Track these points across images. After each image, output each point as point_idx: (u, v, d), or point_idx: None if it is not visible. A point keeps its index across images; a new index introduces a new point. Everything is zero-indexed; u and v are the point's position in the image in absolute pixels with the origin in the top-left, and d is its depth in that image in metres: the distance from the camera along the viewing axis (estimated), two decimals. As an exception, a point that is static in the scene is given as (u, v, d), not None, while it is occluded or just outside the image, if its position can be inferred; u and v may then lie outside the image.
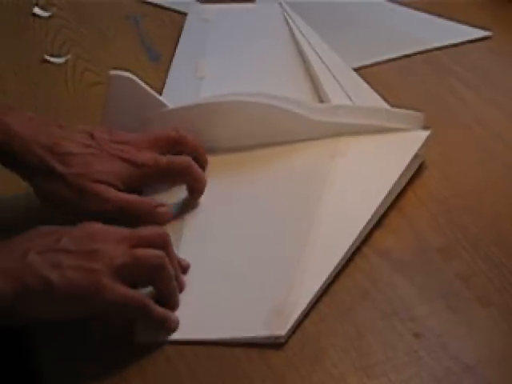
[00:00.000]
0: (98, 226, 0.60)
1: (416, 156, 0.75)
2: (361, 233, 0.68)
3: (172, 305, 0.62)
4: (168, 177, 0.71)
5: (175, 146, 0.72)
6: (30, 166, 0.66)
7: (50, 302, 0.56)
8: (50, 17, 1.04)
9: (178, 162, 0.70)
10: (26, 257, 0.56)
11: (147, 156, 0.70)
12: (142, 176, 0.69)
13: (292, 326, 0.61)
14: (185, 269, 0.65)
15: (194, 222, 0.71)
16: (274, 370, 0.59)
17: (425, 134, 0.76)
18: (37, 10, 1.05)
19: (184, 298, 0.63)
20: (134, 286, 0.59)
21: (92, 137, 0.69)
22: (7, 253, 0.56)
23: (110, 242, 0.58)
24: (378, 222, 0.70)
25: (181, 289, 0.63)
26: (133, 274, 0.58)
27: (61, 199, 0.66)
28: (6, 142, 0.65)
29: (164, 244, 0.61)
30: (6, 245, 0.57)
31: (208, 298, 0.64)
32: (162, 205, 0.69)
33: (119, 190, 0.67)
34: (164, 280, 0.60)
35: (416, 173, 0.75)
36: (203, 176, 0.72)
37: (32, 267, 0.55)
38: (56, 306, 0.56)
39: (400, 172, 0.73)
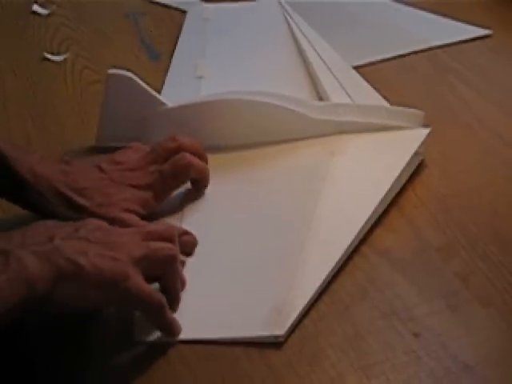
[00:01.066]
0: (105, 223, 0.61)
1: (416, 154, 0.75)
2: (360, 231, 0.68)
3: (176, 300, 0.62)
4: (177, 180, 0.71)
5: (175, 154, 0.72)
6: (55, 204, 0.67)
7: (81, 287, 0.55)
8: (49, 15, 1.04)
9: (178, 164, 0.71)
10: (53, 241, 0.55)
11: (150, 174, 0.70)
12: (155, 195, 0.70)
13: (291, 326, 0.61)
14: (182, 264, 0.65)
15: (193, 219, 0.70)
16: (274, 370, 0.58)
17: (425, 132, 0.76)
18: (36, 8, 1.04)
19: (183, 297, 0.63)
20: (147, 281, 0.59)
21: (100, 169, 0.70)
22: (31, 238, 0.56)
23: (125, 236, 0.59)
24: (378, 221, 0.70)
25: (182, 285, 0.63)
26: (149, 266, 0.59)
27: None
28: (32, 181, 0.66)
29: (172, 238, 0.62)
30: (25, 231, 0.57)
31: (207, 298, 0.64)
32: (187, 232, 0.68)
33: (141, 216, 0.68)
34: (174, 273, 0.61)
35: (416, 171, 0.75)
36: (205, 166, 0.72)
37: (61, 252, 0.55)
38: (85, 292, 0.56)
39: (399, 170, 0.73)
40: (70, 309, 0.57)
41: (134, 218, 0.67)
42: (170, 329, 0.60)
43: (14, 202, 0.69)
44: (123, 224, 0.65)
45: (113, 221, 0.64)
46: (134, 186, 0.69)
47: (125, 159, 0.72)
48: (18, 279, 0.52)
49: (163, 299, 0.59)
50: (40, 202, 0.67)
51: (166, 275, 0.61)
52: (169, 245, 0.60)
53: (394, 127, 0.78)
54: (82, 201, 0.67)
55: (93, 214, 0.65)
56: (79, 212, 0.66)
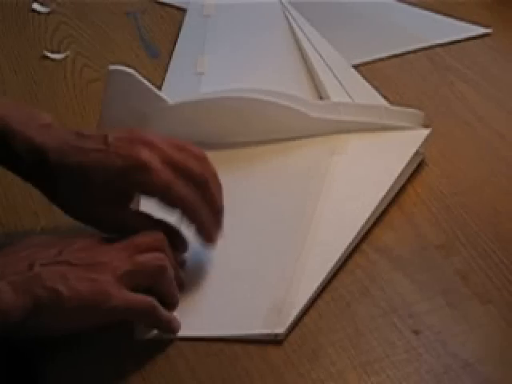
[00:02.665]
0: (95, 239, 0.61)
1: (416, 154, 0.75)
2: (360, 231, 0.68)
3: (173, 305, 0.62)
4: None
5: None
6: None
7: (60, 314, 0.55)
8: (49, 13, 1.04)
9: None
10: (32, 269, 0.55)
11: (150, 156, 0.63)
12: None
13: (291, 324, 0.61)
14: (181, 264, 0.65)
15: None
16: (273, 367, 0.59)
17: (425, 132, 0.76)
18: (36, 6, 1.04)
19: (183, 296, 0.63)
20: (136, 291, 0.59)
21: (104, 140, 0.65)
22: (11, 265, 0.56)
23: (110, 253, 0.59)
24: (378, 219, 0.70)
25: (180, 286, 0.63)
26: (136, 279, 0.59)
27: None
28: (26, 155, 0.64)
29: (161, 246, 0.61)
30: (6, 257, 0.57)
31: (206, 296, 0.64)
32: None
33: None
34: (166, 281, 0.61)
35: (416, 170, 0.75)
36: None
37: (40, 279, 0.55)
38: (66, 318, 0.56)
39: (400, 170, 0.73)
40: (51, 333, 0.57)
41: None
42: (169, 327, 0.60)
43: (13, 171, 0.67)
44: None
45: None
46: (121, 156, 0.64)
47: (140, 132, 0.66)
48: None
49: (153, 301, 0.59)
50: (24, 171, 0.65)
51: (158, 284, 0.61)
52: (157, 255, 0.60)
53: (395, 127, 0.78)
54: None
55: None
56: None
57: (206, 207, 0.63)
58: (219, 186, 0.65)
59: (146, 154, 0.62)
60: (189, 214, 0.63)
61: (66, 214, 0.65)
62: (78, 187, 0.63)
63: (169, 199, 0.62)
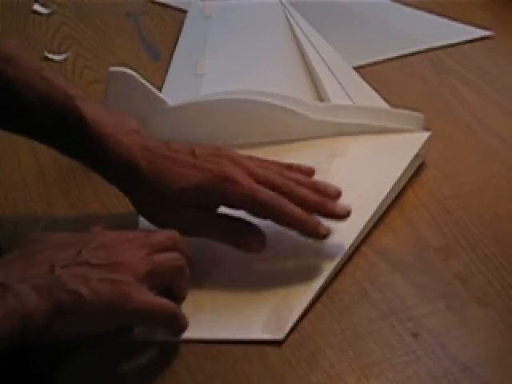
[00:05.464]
0: (110, 236, 0.60)
1: (416, 156, 0.75)
2: (360, 234, 0.68)
3: (182, 301, 0.62)
4: (254, 208, 0.65)
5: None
6: (129, 178, 0.66)
7: (82, 316, 0.55)
8: (49, 14, 1.04)
9: (270, 198, 0.65)
10: (53, 272, 0.55)
11: (242, 176, 0.65)
12: (224, 191, 0.66)
13: (291, 329, 0.61)
14: (191, 264, 0.64)
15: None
16: (272, 370, 0.58)
17: (425, 135, 0.76)
18: (37, 7, 1.04)
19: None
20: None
21: (193, 153, 0.67)
22: (32, 268, 0.55)
23: (128, 252, 0.59)
24: (378, 221, 0.70)
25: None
26: (155, 280, 0.59)
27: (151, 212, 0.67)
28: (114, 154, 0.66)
29: (176, 245, 0.61)
30: (26, 259, 0.56)
31: (206, 300, 0.64)
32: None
33: None
34: (182, 282, 0.61)
35: (416, 172, 0.75)
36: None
37: (61, 282, 0.55)
38: (88, 321, 0.56)
39: (400, 173, 0.73)
40: (72, 337, 0.57)
41: None
42: (182, 332, 0.60)
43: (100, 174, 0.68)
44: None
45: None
46: (209, 171, 0.66)
47: (227, 151, 0.68)
48: (14, 314, 0.52)
49: (175, 307, 0.59)
50: (110, 174, 0.67)
51: (175, 284, 0.61)
52: (174, 254, 0.60)
53: (395, 130, 0.77)
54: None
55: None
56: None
57: (295, 207, 0.65)
58: (306, 192, 0.66)
59: (231, 168, 0.65)
60: (280, 215, 0.64)
61: (146, 220, 0.67)
62: (162, 193, 0.65)
63: (256, 206, 0.64)
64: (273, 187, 0.65)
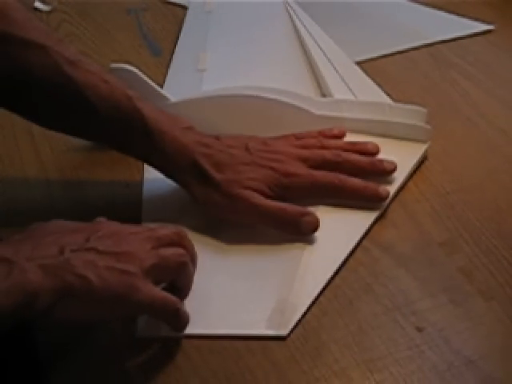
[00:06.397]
0: (115, 226, 0.60)
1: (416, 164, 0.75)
2: (363, 232, 0.68)
3: (185, 297, 0.62)
4: (317, 192, 0.70)
5: (329, 166, 0.72)
6: (189, 172, 0.69)
7: (88, 302, 0.55)
8: (51, 11, 1.04)
9: (329, 179, 0.70)
10: (63, 254, 0.55)
11: (298, 167, 0.71)
12: (289, 185, 0.69)
13: (295, 325, 0.61)
14: (194, 260, 0.65)
15: (195, 220, 0.70)
16: (276, 365, 0.58)
17: (424, 146, 0.76)
18: (38, 4, 1.04)
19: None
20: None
21: (246, 148, 0.71)
22: (41, 248, 0.55)
23: (134, 243, 0.59)
24: (380, 216, 0.70)
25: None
26: (160, 274, 0.59)
27: (213, 204, 0.68)
28: (172, 151, 0.68)
29: (181, 241, 0.62)
30: (35, 240, 0.56)
31: (210, 296, 0.63)
32: (308, 213, 0.68)
33: (268, 197, 0.68)
34: (185, 277, 0.61)
35: (418, 166, 0.75)
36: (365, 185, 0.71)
37: (70, 265, 0.55)
38: (92, 307, 0.55)
39: (401, 180, 0.73)
40: (73, 322, 0.57)
41: (256, 197, 0.67)
42: (184, 327, 0.60)
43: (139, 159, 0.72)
44: (247, 202, 0.67)
45: (236, 197, 0.67)
46: (273, 169, 0.70)
47: (273, 143, 0.73)
48: (18, 290, 0.52)
49: (178, 302, 0.59)
50: (171, 169, 0.69)
51: (179, 279, 0.61)
52: (179, 250, 0.60)
53: (397, 124, 0.77)
54: (215, 174, 0.68)
55: (222, 191, 0.67)
56: (210, 186, 0.68)
57: (353, 178, 0.70)
58: (356, 157, 0.72)
59: (287, 162, 0.70)
60: (342, 191, 0.69)
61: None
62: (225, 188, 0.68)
63: (319, 191, 0.69)
64: (327, 163, 0.71)
